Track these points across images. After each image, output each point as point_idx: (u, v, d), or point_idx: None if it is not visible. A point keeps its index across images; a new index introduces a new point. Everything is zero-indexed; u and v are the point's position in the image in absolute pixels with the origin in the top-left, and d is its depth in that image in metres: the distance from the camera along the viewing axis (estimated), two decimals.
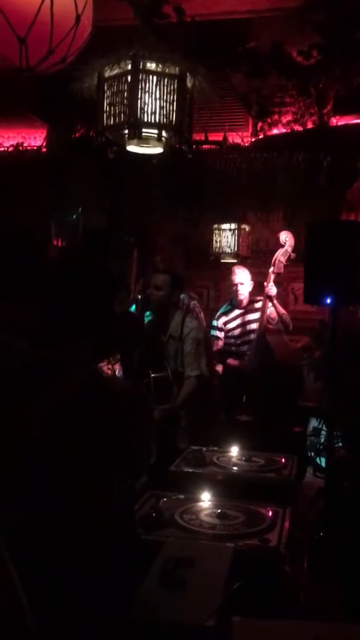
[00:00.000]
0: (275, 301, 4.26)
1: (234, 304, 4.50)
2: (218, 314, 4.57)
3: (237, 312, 4.47)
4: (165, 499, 2.13)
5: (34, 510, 1.30)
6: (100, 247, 3.57)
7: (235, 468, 2.60)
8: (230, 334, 4.48)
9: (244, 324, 4.45)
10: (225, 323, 4.50)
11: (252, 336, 4.37)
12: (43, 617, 1.30)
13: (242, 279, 4.41)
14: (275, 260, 4.17)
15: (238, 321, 4.46)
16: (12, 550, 1.29)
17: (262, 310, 4.25)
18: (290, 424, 4.18)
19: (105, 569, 1.36)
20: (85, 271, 1.52)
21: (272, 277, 4.20)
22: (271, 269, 4.20)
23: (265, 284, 4.26)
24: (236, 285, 4.41)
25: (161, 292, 3.39)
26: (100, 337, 1.52)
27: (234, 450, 2.78)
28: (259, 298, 4.43)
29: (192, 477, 2.46)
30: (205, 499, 2.13)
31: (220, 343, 4.49)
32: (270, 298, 4.22)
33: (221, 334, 4.50)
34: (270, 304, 4.22)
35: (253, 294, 4.52)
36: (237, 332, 4.46)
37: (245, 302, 4.43)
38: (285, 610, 1.85)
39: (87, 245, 3.73)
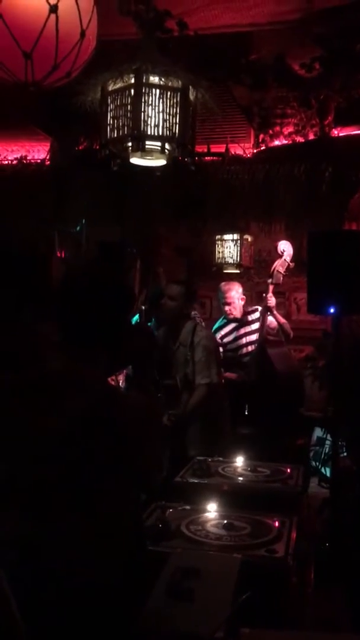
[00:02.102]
0: (275, 312, 4.26)
1: (226, 317, 4.49)
2: (214, 328, 4.54)
3: (232, 325, 4.46)
4: (171, 510, 2.13)
5: (46, 524, 1.30)
6: (115, 259, 3.60)
7: (240, 478, 2.59)
8: (228, 347, 4.47)
9: (240, 336, 4.44)
10: (222, 337, 4.49)
11: (250, 348, 4.36)
12: (51, 628, 1.30)
13: (230, 298, 4.39)
14: (274, 270, 4.15)
15: (234, 334, 4.45)
16: (22, 562, 1.29)
17: (262, 322, 4.23)
18: (293, 436, 4.17)
19: (113, 580, 1.36)
20: (103, 284, 1.51)
21: (270, 288, 4.20)
22: (270, 280, 4.19)
23: (264, 295, 4.25)
24: (224, 304, 4.40)
25: (175, 302, 3.43)
26: (115, 350, 1.51)
27: (240, 461, 2.77)
28: (252, 309, 4.43)
29: (198, 488, 2.45)
30: (212, 510, 2.13)
31: (220, 356, 4.37)
32: (270, 309, 4.21)
33: (219, 348, 4.42)
34: (269, 315, 4.22)
35: (255, 304, 4.53)
36: (234, 345, 4.44)
37: (238, 316, 4.41)
38: (292, 621, 1.84)
39: (101, 257, 3.75)
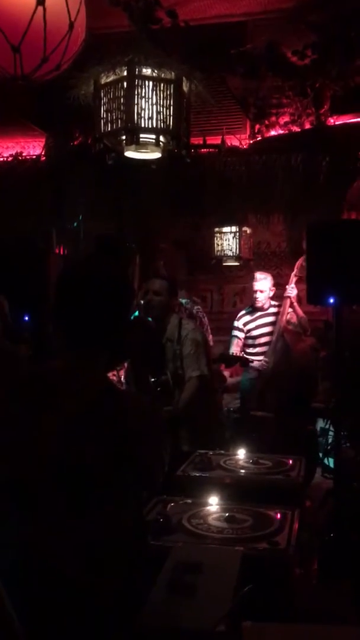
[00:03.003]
0: (295, 303, 4.48)
1: (254, 306, 4.71)
2: (240, 315, 4.79)
3: (257, 314, 4.67)
4: (172, 504, 2.12)
5: (46, 525, 1.29)
6: (112, 252, 3.57)
7: (242, 471, 2.58)
8: (249, 334, 4.69)
9: (263, 325, 4.65)
10: (246, 324, 4.70)
11: (269, 338, 4.60)
12: (53, 625, 1.30)
13: (262, 287, 4.62)
14: (299, 264, 4.40)
15: (257, 322, 4.65)
16: (24, 562, 1.29)
17: (282, 311, 4.49)
18: (304, 422, 4.29)
19: (115, 577, 1.35)
20: (101, 277, 1.49)
21: (293, 280, 4.46)
22: (294, 272, 4.47)
23: (286, 286, 4.51)
24: (256, 291, 4.62)
25: (160, 297, 3.41)
26: (115, 344, 1.49)
27: (241, 453, 2.77)
28: (277, 303, 4.65)
29: (199, 481, 2.44)
30: (213, 503, 2.12)
31: (241, 342, 4.70)
32: (290, 301, 4.46)
33: (241, 334, 4.71)
34: (289, 307, 4.46)
35: (273, 297, 4.69)
36: (255, 332, 4.65)
37: (265, 306, 4.63)
38: (296, 613, 1.83)
39: (99, 251, 3.74)
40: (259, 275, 4.69)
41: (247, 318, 4.70)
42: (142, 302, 3.57)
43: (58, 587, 1.29)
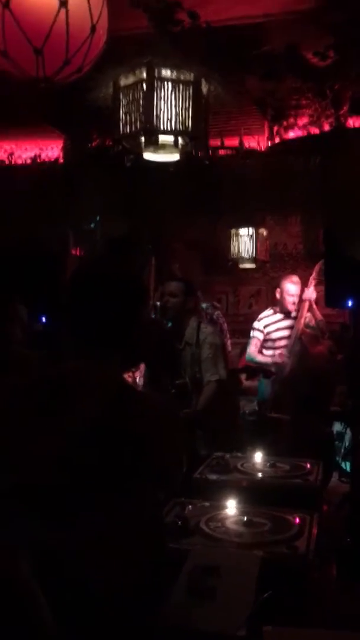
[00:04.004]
0: (314, 306, 4.46)
1: (278, 309, 4.70)
2: (261, 316, 4.81)
3: (279, 317, 4.68)
4: (190, 507, 2.12)
5: (64, 526, 1.29)
6: (124, 253, 3.60)
7: (259, 474, 2.57)
8: (268, 336, 4.69)
9: (283, 328, 4.66)
10: (266, 326, 4.71)
11: (286, 341, 4.59)
12: (73, 628, 1.30)
13: (298, 291, 4.58)
14: (317, 268, 4.40)
15: (278, 325, 4.66)
16: (43, 567, 1.28)
17: (300, 314, 4.48)
18: (321, 425, 4.26)
19: (134, 580, 1.35)
20: (113, 278, 1.49)
21: (312, 283, 4.47)
22: (313, 275, 4.47)
23: (305, 288, 4.50)
24: (292, 295, 4.59)
25: (176, 299, 3.42)
26: (128, 346, 1.49)
27: (258, 456, 2.75)
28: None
29: (217, 484, 2.44)
30: (231, 506, 2.11)
31: (259, 343, 4.70)
32: (309, 303, 4.46)
33: (261, 336, 4.72)
34: (308, 310, 4.47)
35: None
36: (275, 335, 4.66)
37: (294, 310, 4.63)
38: (314, 617, 1.82)
39: (110, 253, 3.77)
40: (295, 279, 4.68)
41: (269, 320, 4.71)
42: (157, 304, 3.58)
43: (75, 589, 1.29)
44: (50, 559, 1.30)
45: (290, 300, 4.60)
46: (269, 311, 4.80)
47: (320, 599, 2.00)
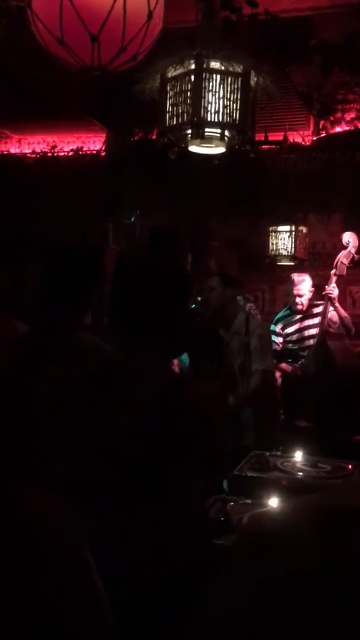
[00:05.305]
0: (337, 304, 4.20)
1: (293, 309, 4.50)
2: (276, 318, 4.59)
3: (296, 317, 4.46)
4: (232, 504, 2.09)
5: (115, 517, 1.28)
6: (168, 245, 3.58)
7: (300, 474, 2.53)
8: (288, 338, 4.48)
9: (302, 329, 4.43)
10: (283, 328, 4.51)
11: (312, 341, 4.32)
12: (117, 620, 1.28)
13: (302, 290, 4.42)
14: (337, 262, 4.10)
15: (296, 326, 4.45)
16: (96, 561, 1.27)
17: (323, 313, 4.18)
18: (350, 432, 4.09)
19: (179, 572, 1.33)
20: (157, 270, 1.48)
21: (333, 279, 4.15)
22: (333, 271, 4.14)
23: (326, 286, 4.20)
24: (295, 296, 4.43)
25: (216, 291, 3.46)
26: (173, 337, 1.48)
27: (298, 455, 2.71)
28: (318, 303, 4.38)
29: (256, 482, 2.40)
30: (273, 505, 2.07)
31: (278, 347, 4.47)
32: (331, 300, 4.15)
33: (279, 339, 4.51)
34: (331, 307, 4.16)
35: (312, 297, 4.48)
36: (295, 337, 4.44)
37: (304, 308, 4.41)
38: None
39: (154, 244, 3.77)
40: (297, 277, 4.50)
41: (285, 321, 4.52)
42: (199, 299, 3.59)
43: (122, 580, 1.28)
44: (98, 551, 1.29)
45: (296, 301, 4.42)
46: (284, 311, 4.62)
47: None
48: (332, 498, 0.70)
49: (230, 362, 3.36)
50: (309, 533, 0.62)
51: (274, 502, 2.09)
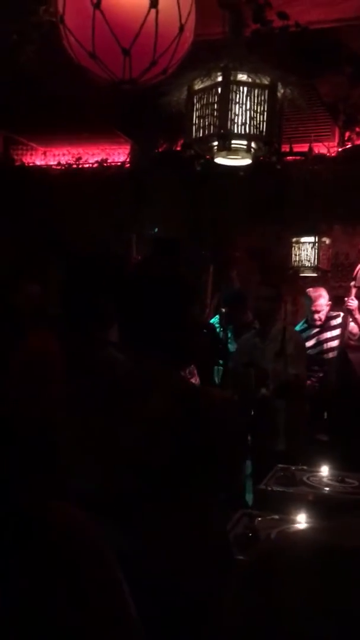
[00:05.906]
0: (356, 315, 4.14)
1: (310, 323, 4.43)
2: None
3: (313, 330, 4.40)
4: (259, 519, 2.06)
5: (134, 529, 1.26)
6: (171, 256, 3.58)
7: (327, 488, 2.49)
8: (309, 352, 4.31)
9: (320, 342, 4.36)
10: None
11: (330, 354, 4.26)
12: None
13: (319, 306, 4.35)
14: (357, 273, 4.08)
15: (314, 340, 4.37)
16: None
17: (343, 325, 4.14)
18: None
19: (202, 587, 1.31)
20: (158, 278, 1.47)
21: (353, 291, 4.11)
22: (352, 283, 4.11)
23: (346, 298, 4.14)
24: (313, 312, 4.37)
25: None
26: (180, 345, 1.46)
27: (325, 470, 2.67)
28: (335, 314, 4.33)
29: (283, 497, 2.37)
30: (302, 521, 2.04)
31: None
32: (351, 313, 4.10)
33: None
34: (351, 319, 4.12)
35: (332, 308, 4.43)
36: (315, 350, 4.35)
37: (322, 322, 4.36)
38: None
39: (157, 254, 3.78)
40: (313, 293, 4.41)
41: (303, 335, 4.38)
42: (222, 310, 3.61)
43: (144, 594, 1.26)
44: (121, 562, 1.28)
45: (314, 317, 4.34)
46: (301, 325, 4.54)
47: None
48: (336, 534, 0.67)
49: (264, 366, 3.39)
50: (311, 569, 0.60)
51: (301, 517, 2.06)
